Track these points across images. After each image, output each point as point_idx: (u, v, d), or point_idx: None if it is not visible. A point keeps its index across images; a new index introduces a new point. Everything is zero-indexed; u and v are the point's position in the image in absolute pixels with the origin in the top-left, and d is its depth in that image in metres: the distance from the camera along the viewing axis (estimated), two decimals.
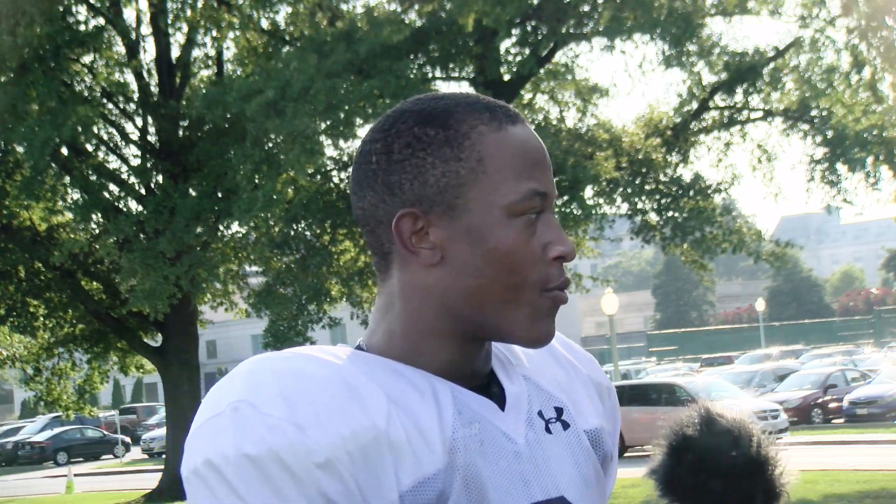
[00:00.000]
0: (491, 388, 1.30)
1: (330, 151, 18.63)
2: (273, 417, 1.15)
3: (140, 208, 19.46)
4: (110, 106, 20.35)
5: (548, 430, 1.31)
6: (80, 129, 17.96)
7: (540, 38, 18.04)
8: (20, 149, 18.44)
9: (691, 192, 19.01)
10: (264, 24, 19.50)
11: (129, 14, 20.55)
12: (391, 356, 1.26)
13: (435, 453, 1.19)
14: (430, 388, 1.24)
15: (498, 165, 1.25)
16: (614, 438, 1.42)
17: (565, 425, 1.33)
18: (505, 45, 18.00)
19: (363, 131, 16.59)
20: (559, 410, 1.33)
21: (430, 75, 18.04)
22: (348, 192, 19.69)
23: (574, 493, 1.28)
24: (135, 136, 20.65)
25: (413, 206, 1.25)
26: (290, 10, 19.29)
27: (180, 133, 20.26)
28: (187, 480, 1.18)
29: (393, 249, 1.27)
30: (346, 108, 16.05)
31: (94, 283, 21.49)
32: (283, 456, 1.14)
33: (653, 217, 19.38)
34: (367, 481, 1.16)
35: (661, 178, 19.17)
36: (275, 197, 16.36)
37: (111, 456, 39.37)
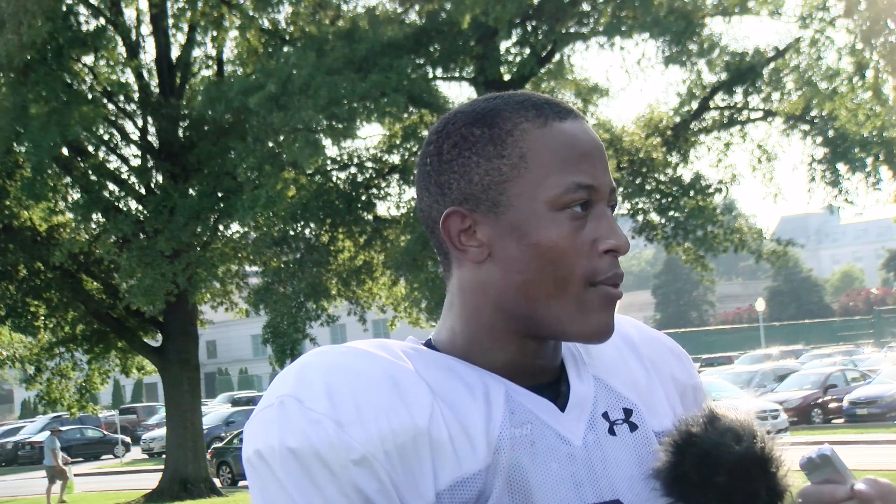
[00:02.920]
0: (560, 385, 1.30)
1: (331, 151, 18.63)
2: (315, 413, 1.17)
3: (140, 208, 19.47)
4: (111, 106, 20.35)
5: (612, 431, 1.30)
6: (82, 130, 17.98)
7: (540, 37, 18.04)
8: (21, 148, 18.45)
9: (691, 192, 19.02)
10: (264, 23, 19.50)
11: (129, 14, 20.59)
12: (452, 353, 1.28)
13: (477, 452, 1.20)
14: (482, 387, 1.24)
15: (540, 160, 1.25)
16: None
17: (633, 427, 1.31)
18: (505, 44, 18.01)
19: (364, 131, 16.62)
20: (628, 412, 1.32)
21: (430, 74, 18.04)
22: (348, 191, 19.58)
23: (632, 496, 1.27)
24: (135, 136, 20.66)
25: (460, 204, 1.27)
26: (290, 9, 19.28)
27: (180, 133, 20.27)
28: (247, 462, 1.23)
29: (450, 248, 1.29)
30: (347, 105, 16.05)
31: (95, 282, 21.49)
32: (321, 451, 1.16)
33: (654, 217, 19.39)
34: (403, 479, 1.17)
35: (661, 177, 19.17)
36: (277, 195, 16.35)
37: (111, 456, 39.36)
